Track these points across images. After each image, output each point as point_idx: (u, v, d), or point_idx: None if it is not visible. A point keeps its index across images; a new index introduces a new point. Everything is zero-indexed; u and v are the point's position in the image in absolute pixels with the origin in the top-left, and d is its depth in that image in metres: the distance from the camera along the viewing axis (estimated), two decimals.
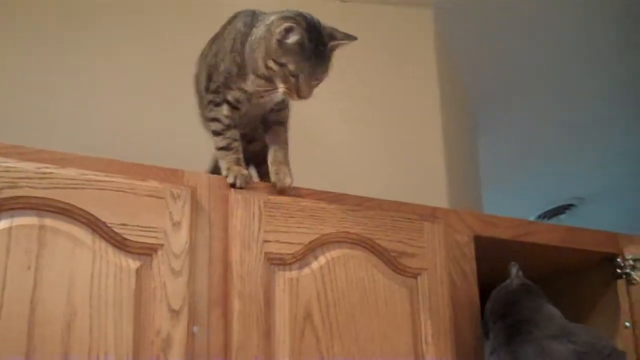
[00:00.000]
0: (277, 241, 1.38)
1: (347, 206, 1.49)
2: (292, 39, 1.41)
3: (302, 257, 1.41)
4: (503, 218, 1.69)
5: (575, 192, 4.75)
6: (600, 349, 1.48)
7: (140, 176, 1.31)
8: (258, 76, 1.47)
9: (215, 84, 1.54)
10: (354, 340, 1.40)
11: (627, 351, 1.78)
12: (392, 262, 1.49)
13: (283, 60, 1.42)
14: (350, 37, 1.47)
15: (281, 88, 1.44)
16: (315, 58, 1.43)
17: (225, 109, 1.52)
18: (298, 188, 1.47)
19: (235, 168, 1.44)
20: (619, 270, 1.83)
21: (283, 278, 1.38)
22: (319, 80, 1.45)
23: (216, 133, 1.51)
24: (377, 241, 1.48)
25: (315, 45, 1.42)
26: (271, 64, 1.43)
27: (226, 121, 1.51)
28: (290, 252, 1.39)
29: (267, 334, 1.33)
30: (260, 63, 1.45)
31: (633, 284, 1.81)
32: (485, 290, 1.62)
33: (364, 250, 1.47)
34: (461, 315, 1.56)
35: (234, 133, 1.52)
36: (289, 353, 1.34)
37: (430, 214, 1.58)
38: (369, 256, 1.48)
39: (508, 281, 1.59)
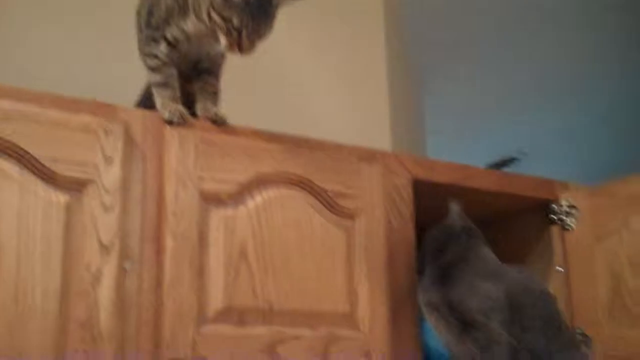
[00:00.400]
0: (213, 179, 1.37)
1: (285, 145, 1.47)
2: None
3: (238, 195, 1.40)
4: (441, 162, 1.70)
5: (519, 146, 4.81)
6: (530, 290, 1.50)
7: (72, 110, 1.27)
8: (200, 20, 1.44)
9: (156, 19, 1.50)
10: (289, 279, 1.41)
11: (559, 295, 1.83)
12: (329, 202, 1.49)
13: (226, 14, 1.39)
14: None
15: (223, 41, 1.41)
16: (259, 14, 1.40)
17: (163, 47, 1.48)
18: (235, 126, 1.45)
19: (171, 104, 1.41)
20: (553, 217, 1.87)
21: (218, 216, 1.37)
22: (262, 36, 1.42)
23: (152, 69, 1.48)
24: (315, 182, 1.48)
25: (260, 2, 1.40)
26: (215, 16, 1.40)
27: (164, 58, 1.48)
28: (226, 190, 1.38)
29: (200, 271, 1.32)
30: (204, 13, 1.42)
31: (567, 230, 1.84)
32: (422, 235, 1.63)
33: (302, 190, 1.47)
34: (397, 258, 1.57)
35: (171, 70, 1.48)
36: (222, 291, 1.34)
37: (370, 156, 1.58)
38: (306, 196, 1.47)
39: (448, 220, 1.59)
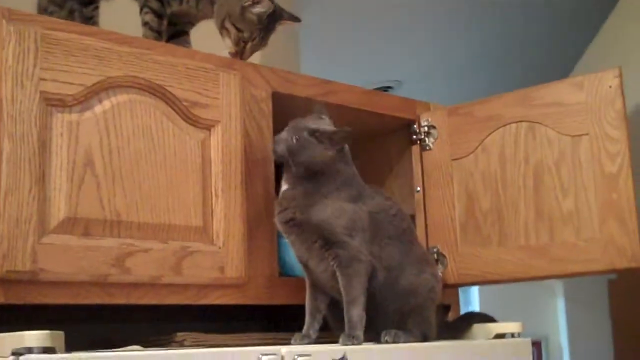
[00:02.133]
0: (56, 80, 1.27)
1: (137, 49, 1.39)
2: (257, 9, 1.59)
3: (85, 99, 1.31)
4: (302, 75, 1.67)
5: (393, 75, 4.85)
6: (387, 210, 1.53)
7: None
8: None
9: None
10: (138, 190, 1.35)
11: (418, 215, 1.86)
12: (183, 111, 1.43)
13: (240, 26, 1.60)
14: (294, 19, 1.68)
15: (229, 48, 1.61)
16: (266, 31, 1.63)
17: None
18: (82, 25, 1.35)
19: None
20: (414, 136, 1.88)
21: (62, 121, 1.28)
22: (261, 49, 1.65)
23: None
24: (168, 89, 1.41)
25: (269, 21, 1.61)
26: (229, 25, 1.60)
27: None
28: (70, 93, 1.29)
29: (41, 178, 1.24)
30: (218, 21, 1.62)
31: (426, 149, 1.86)
32: None
33: (154, 97, 1.40)
34: (254, 170, 1.54)
35: None
36: (66, 200, 1.26)
37: (227, 64, 1.52)
38: (159, 104, 1.40)
39: (312, 121, 1.50)
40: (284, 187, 1.47)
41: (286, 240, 1.50)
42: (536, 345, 3.93)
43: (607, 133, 1.61)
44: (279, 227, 1.48)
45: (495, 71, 4.65)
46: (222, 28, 1.62)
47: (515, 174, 1.72)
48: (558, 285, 4.39)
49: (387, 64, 4.64)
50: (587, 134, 1.63)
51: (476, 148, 1.76)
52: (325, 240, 1.42)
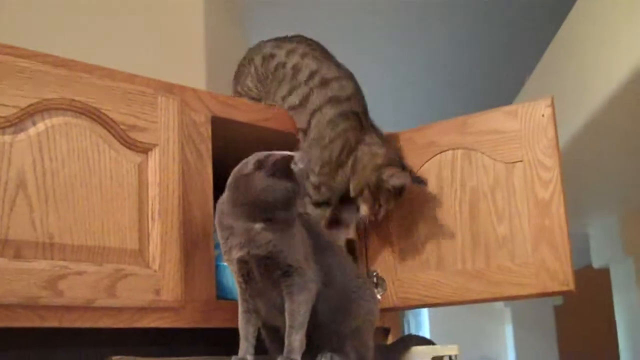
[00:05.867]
0: None
1: (74, 72, 1.39)
2: (396, 182, 1.71)
3: (19, 121, 1.31)
4: (243, 101, 1.68)
5: None
6: (313, 223, 1.54)
7: None
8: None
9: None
10: (72, 213, 1.34)
11: (358, 238, 1.87)
12: (120, 135, 1.43)
13: (379, 196, 1.74)
14: (421, 182, 1.78)
15: (363, 211, 1.75)
16: (398, 195, 1.76)
17: None
18: (18, 48, 1.35)
19: None
20: None
21: None
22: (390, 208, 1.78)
23: None
24: (105, 112, 1.41)
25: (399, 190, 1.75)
26: (367, 194, 1.74)
27: None
28: (3, 115, 1.28)
29: None
30: (356, 190, 1.75)
31: None
32: (219, 173, 1.60)
33: (90, 120, 1.40)
34: (193, 196, 1.54)
35: None
36: None
37: (166, 89, 1.53)
38: (95, 127, 1.40)
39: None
40: (258, 226, 1.36)
41: (225, 265, 1.49)
42: None
43: (540, 160, 1.65)
44: (241, 262, 1.40)
45: (442, 97, 4.73)
46: (359, 193, 1.73)
47: (451, 200, 1.75)
48: (506, 311, 4.45)
49: None
50: (521, 161, 1.67)
51: (415, 174, 1.79)
52: (285, 270, 1.39)
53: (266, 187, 1.31)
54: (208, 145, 1.58)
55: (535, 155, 1.66)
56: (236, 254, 1.37)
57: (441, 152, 1.78)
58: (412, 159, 1.81)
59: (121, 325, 1.41)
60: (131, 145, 1.44)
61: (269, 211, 1.33)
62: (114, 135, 1.43)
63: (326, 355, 1.44)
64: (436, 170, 1.78)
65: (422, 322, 4.99)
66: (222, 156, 1.59)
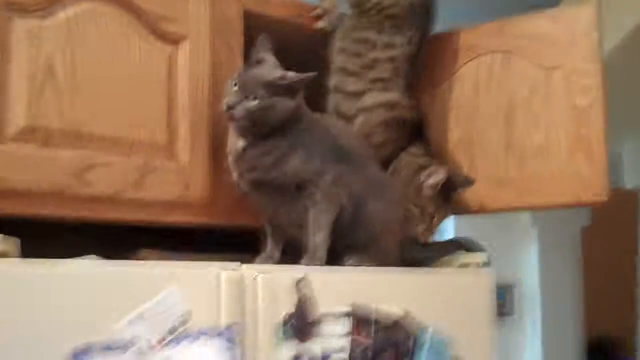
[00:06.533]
0: None
1: None
2: (432, 181, 1.63)
3: (48, 5, 1.27)
4: None
5: None
6: (346, 133, 1.55)
7: None
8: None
9: None
10: (101, 103, 1.32)
11: None
12: (150, 24, 1.39)
13: (420, 203, 1.64)
14: (468, 183, 1.68)
15: (420, 228, 1.65)
16: (445, 200, 1.67)
17: None
18: None
19: None
20: None
21: (22, 27, 1.24)
22: (447, 216, 1.70)
23: None
24: (135, 0, 1.37)
25: (445, 188, 1.65)
26: (412, 207, 1.63)
27: None
28: None
29: (1, 88, 1.21)
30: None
31: None
32: None
33: (119, 7, 1.35)
34: (222, 90, 1.50)
35: None
36: (26, 109, 1.23)
37: None
38: (124, 14, 1.36)
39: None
40: (240, 143, 1.38)
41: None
42: (508, 288, 3.97)
43: (581, 67, 1.60)
44: (243, 187, 1.42)
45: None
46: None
47: (487, 104, 1.70)
48: (532, 231, 4.42)
49: None
50: (561, 67, 1.62)
51: (451, 77, 1.74)
52: (298, 188, 1.38)
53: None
54: (240, 40, 1.54)
55: (576, 62, 1.60)
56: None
57: (479, 56, 1.72)
58: (448, 63, 1.75)
59: (151, 218, 1.40)
60: (160, 35, 1.40)
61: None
62: (143, 25, 1.38)
63: (354, 257, 1.43)
64: (473, 73, 1.72)
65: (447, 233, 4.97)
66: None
